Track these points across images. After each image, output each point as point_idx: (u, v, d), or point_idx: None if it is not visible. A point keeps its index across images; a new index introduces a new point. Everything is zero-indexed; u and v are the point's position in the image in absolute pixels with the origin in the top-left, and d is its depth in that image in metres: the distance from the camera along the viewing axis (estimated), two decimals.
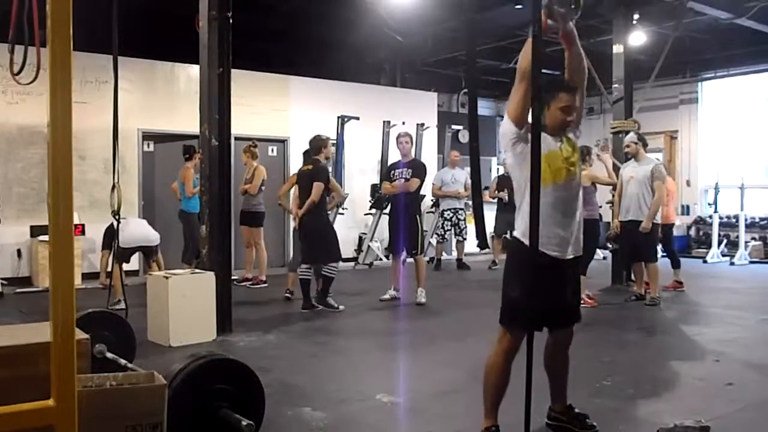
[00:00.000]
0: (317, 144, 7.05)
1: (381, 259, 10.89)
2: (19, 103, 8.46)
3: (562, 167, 3.13)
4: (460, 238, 10.60)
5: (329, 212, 7.74)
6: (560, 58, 3.20)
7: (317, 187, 6.78)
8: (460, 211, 10.43)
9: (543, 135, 2.90)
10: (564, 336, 3.37)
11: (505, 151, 3.28)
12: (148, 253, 7.47)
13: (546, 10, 2.84)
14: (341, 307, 6.85)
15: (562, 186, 3.13)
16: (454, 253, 11.01)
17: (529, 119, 2.71)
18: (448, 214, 10.43)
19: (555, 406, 3.44)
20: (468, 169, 8.12)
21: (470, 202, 10.16)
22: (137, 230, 7.25)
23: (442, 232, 10.56)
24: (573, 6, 2.94)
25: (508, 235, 8.98)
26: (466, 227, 10.48)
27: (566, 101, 3.13)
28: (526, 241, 2.92)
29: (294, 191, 7.34)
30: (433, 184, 10.47)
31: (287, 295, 7.42)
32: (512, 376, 3.13)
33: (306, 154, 8.06)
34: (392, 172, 7.41)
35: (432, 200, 11.12)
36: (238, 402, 3.03)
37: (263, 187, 8.53)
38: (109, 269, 6.39)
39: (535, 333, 2.68)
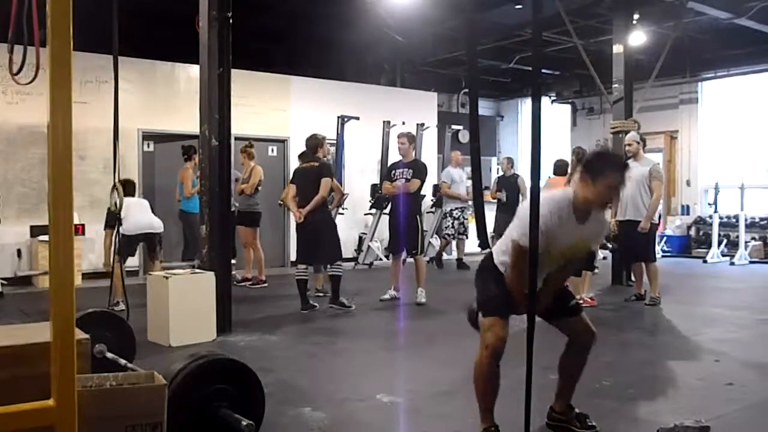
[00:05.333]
0: (314, 143, 7.09)
1: (381, 259, 10.88)
2: (19, 103, 8.46)
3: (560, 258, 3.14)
4: (463, 237, 10.63)
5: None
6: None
7: (326, 183, 6.79)
8: (465, 211, 10.48)
9: (566, 218, 2.97)
10: (583, 338, 3.31)
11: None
12: (151, 243, 7.11)
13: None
14: (354, 306, 6.87)
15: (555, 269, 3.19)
16: (455, 253, 11.01)
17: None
18: (456, 213, 10.45)
19: (556, 405, 3.43)
20: (468, 169, 8.11)
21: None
22: (141, 216, 6.94)
23: (452, 231, 10.56)
24: None
25: None
26: (468, 226, 10.52)
27: (617, 181, 3.00)
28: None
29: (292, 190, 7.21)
30: (443, 182, 10.53)
31: (319, 294, 7.46)
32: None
33: (302, 155, 8.07)
34: (393, 172, 7.40)
35: (432, 200, 11.12)
36: (238, 402, 3.03)
37: (260, 188, 8.52)
38: (112, 260, 6.20)
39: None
